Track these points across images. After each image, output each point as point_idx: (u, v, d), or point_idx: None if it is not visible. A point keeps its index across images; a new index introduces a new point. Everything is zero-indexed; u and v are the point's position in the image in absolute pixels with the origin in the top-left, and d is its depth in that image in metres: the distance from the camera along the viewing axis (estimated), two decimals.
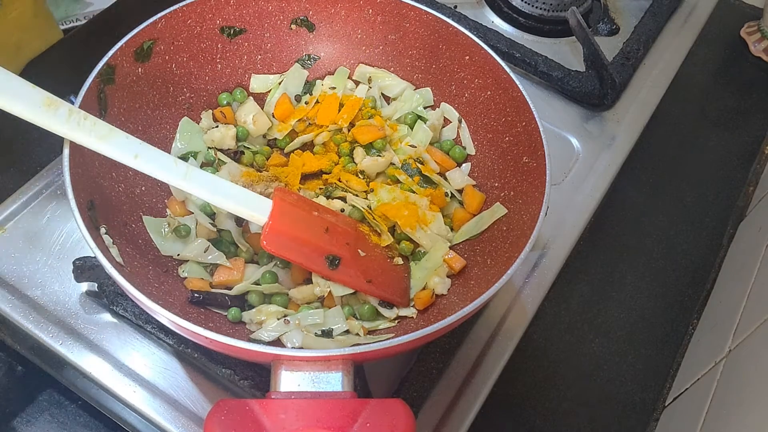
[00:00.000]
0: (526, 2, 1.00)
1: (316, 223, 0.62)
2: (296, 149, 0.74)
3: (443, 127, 0.77)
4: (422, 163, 0.73)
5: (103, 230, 0.58)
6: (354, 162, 0.72)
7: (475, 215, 0.70)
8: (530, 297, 0.74)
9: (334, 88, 0.77)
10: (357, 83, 0.79)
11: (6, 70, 0.52)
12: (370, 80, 0.78)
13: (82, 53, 0.90)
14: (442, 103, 0.76)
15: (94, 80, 0.62)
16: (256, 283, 0.64)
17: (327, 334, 0.61)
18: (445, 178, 0.73)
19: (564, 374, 0.75)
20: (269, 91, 0.77)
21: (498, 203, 0.69)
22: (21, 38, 0.86)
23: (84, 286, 0.68)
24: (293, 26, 0.77)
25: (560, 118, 0.89)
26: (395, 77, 0.78)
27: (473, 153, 0.74)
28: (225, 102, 0.75)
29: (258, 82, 0.77)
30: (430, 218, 0.69)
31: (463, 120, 0.75)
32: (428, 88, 0.78)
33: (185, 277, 0.64)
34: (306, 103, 0.77)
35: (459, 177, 0.72)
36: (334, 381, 0.48)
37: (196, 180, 0.57)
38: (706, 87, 1.06)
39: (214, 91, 0.75)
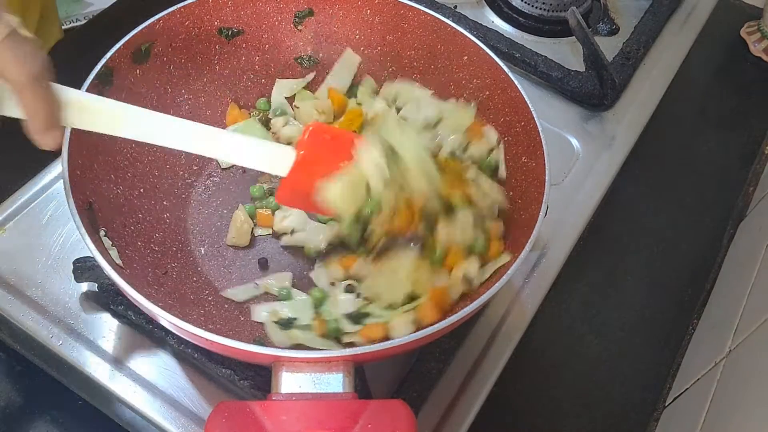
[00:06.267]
0: (526, 2, 1.00)
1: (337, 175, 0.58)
2: None
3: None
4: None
5: (102, 232, 0.58)
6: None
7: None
8: (530, 297, 0.74)
9: (360, 104, 0.77)
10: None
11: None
12: (395, 100, 0.75)
13: (81, 53, 0.90)
14: (485, 127, 0.71)
15: (93, 82, 0.62)
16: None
17: (286, 324, 0.62)
18: None
19: (564, 374, 0.75)
20: (293, 96, 0.78)
21: (505, 253, 0.63)
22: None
23: (84, 286, 0.68)
24: (300, 27, 0.77)
25: (560, 118, 0.89)
26: (423, 91, 0.75)
27: (504, 177, 0.69)
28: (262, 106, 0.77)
29: (283, 87, 0.78)
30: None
31: (501, 142, 0.70)
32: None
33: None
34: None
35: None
36: (335, 382, 0.48)
37: (207, 140, 0.55)
38: (706, 87, 1.06)
39: (213, 91, 0.75)
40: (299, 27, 0.77)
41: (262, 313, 0.65)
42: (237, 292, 0.67)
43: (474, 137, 0.72)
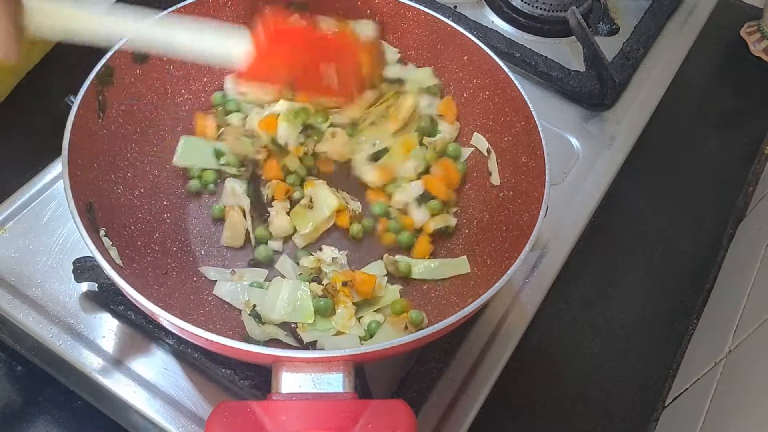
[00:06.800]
0: (526, 2, 1.00)
1: (291, 64, 0.61)
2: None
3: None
4: None
5: (102, 232, 0.58)
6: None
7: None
8: (530, 297, 0.74)
9: None
10: None
11: None
12: None
13: (81, 53, 0.91)
14: (474, 134, 0.74)
15: (93, 82, 0.62)
16: None
17: (257, 317, 0.62)
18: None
19: (564, 374, 0.75)
20: None
21: (464, 257, 0.68)
22: (31, 42, 0.86)
23: (84, 286, 0.68)
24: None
25: (560, 118, 0.89)
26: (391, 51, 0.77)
27: (497, 183, 0.71)
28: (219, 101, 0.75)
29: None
30: None
31: (492, 151, 0.72)
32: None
33: None
34: None
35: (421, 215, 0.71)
36: (335, 382, 0.48)
37: (153, 29, 0.56)
38: (706, 87, 1.06)
39: (213, 92, 0.75)
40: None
41: (222, 289, 0.65)
42: (210, 271, 0.67)
43: (446, 113, 0.75)
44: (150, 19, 0.56)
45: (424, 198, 0.71)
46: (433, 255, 0.70)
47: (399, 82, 0.76)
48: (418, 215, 0.71)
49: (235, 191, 0.70)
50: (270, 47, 0.58)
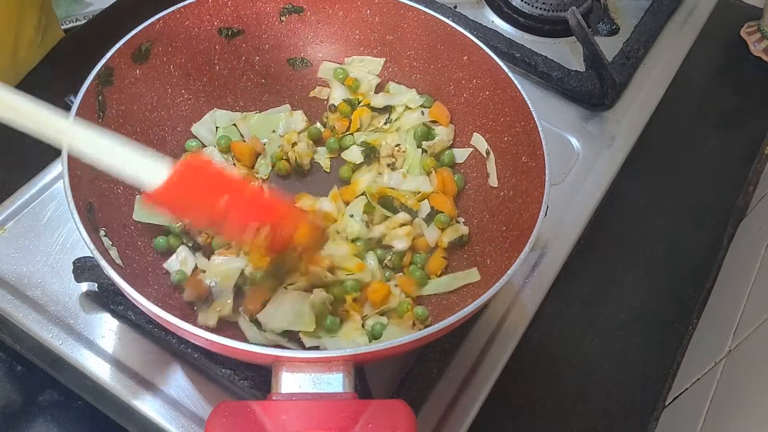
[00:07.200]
0: (526, 2, 1.00)
1: (208, 208, 0.56)
2: None
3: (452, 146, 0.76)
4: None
5: (102, 232, 0.58)
6: None
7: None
8: (530, 297, 0.74)
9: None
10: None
11: None
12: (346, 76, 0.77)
13: (81, 53, 0.91)
14: (474, 134, 0.74)
15: (93, 82, 0.62)
16: None
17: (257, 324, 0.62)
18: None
19: (564, 374, 0.75)
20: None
21: (475, 269, 0.67)
22: (30, 43, 0.86)
23: (84, 286, 0.68)
24: (301, 27, 0.77)
25: (560, 118, 0.89)
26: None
27: (495, 185, 0.71)
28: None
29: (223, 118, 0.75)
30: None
31: (491, 152, 0.72)
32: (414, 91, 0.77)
33: None
34: None
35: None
36: (335, 382, 0.48)
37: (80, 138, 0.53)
38: (706, 87, 1.06)
39: (213, 91, 0.75)
40: (300, 27, 0.77)
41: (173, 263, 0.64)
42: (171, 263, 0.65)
43: (439, 117, 0.75)
44: (83, 127, 0.54)
45: (430, 216, 0.71)
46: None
47: (388, 109, 0.77)
48: (429, 234, 0.70)
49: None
50: (185, 183, 0.55)
